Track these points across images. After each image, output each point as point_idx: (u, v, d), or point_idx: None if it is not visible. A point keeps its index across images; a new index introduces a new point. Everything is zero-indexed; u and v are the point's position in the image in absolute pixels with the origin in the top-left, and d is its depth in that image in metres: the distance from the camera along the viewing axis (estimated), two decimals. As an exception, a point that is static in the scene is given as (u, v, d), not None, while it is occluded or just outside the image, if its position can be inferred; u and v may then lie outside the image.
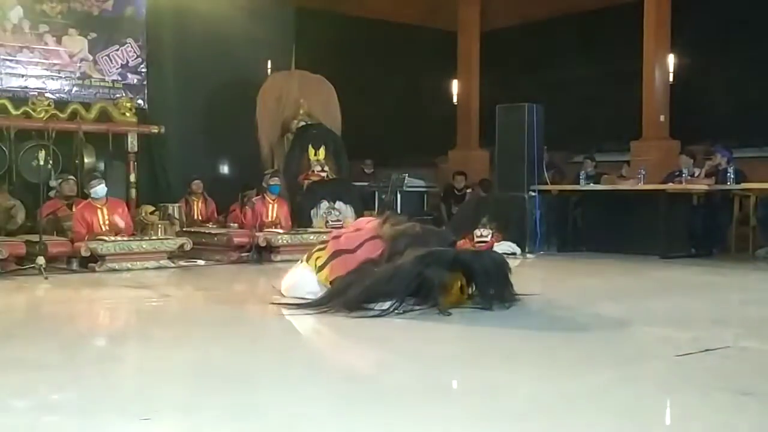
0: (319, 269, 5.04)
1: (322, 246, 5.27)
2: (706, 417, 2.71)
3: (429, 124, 13.09)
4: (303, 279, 5.10)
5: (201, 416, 2.68)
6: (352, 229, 5.37)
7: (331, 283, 4.90)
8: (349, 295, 4.57)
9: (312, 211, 8.86)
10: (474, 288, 4.81)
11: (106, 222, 7.26)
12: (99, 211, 7.28)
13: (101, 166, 8.90)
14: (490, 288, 4.72)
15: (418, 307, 4.52)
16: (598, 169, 9.91)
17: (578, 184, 9.57)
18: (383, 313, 4.43)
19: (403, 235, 4.91)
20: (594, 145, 11.21)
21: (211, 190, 9.47)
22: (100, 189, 7.27)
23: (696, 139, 10.12)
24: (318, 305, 4.69)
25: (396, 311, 4.44)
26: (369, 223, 5.45)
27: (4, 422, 2.60)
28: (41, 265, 6.48)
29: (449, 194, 11.38)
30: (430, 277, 4.49)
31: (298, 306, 4.79)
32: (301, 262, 5.30)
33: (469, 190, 11.07)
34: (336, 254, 4.98)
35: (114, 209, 7.39)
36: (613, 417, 2.68)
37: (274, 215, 8.49)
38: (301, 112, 9.72)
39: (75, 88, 9.23)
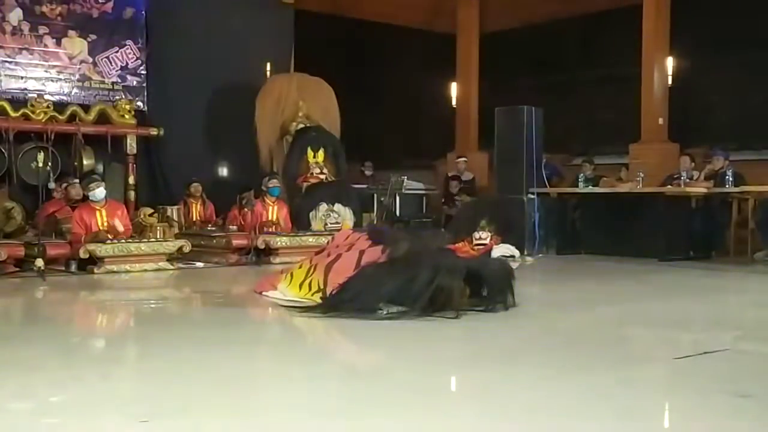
0: (310, 289, 5.05)
1: (303, 266, 5.29)
2: (705, 419, 2.71)
3: (428, 126, 13.10)
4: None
5: (200, 418, 2.68)
6: (334, 246, 5.37)
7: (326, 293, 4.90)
8: (363, 301, 4.53)
9: (311, 214, 8.85)
10: (473, 292, 4.79)
11: (105, 224, 7.25)
12: (98, 213, 7.28)
13: (100, 168, 8.88)
14: (496, 293, 4.71)
15: (434, 315, 4.49)
16: (597, 172, 9.92)
17: (577, 186, 9.57)
18: (393, 316, 4.41)
19: (400, 237, 4.92)
20: (593, 148, 11.22)
21: (211, 192, 9.47)
22: (99, 192, 7.27)
23: (695, 142, 10.13)
24: (326, 308, 4.67)
25: (406, 316, 4.43)
26: (349, 237, 5.46)
27: (4, 424, 2.60)
28: (40, 268, 6.48)
29: (448, 197, 11.38)
30: (446, 286, 4.47)
31: (305, 309, 4.79)
32: (284, 282, 5.30)
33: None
34: (329, 268, 5.00)
35: (113, 211, 7.38)
36: (612, 419, 2.68)
37: (274, 217, 8.49)
38: (300, 114, 9.71)
39: (74, 90, 9.23)
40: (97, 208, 7.30)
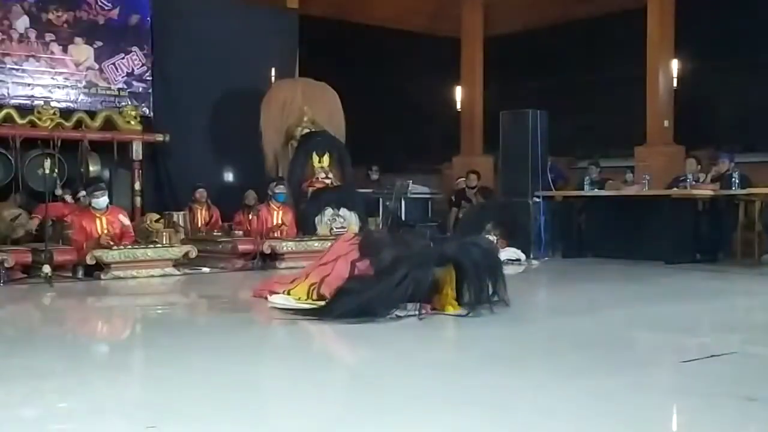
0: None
1: (309, 279, 5.33)
2: (712, 423, 2.70)
3: (433, 130, 13.11)
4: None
5: (206, 424, 2.68)
6: (334, 257, 5.40)
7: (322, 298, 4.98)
8: (347, 306, 4.59)
9: (316, 218, 8.86)
10: (464, 289, 4.79)
11: (105, 230, 7.30)
12: (98, 220, 7.33)
13: (106, 174, 8.92)
14: (481, 282, 4.70)
15: (411, 311, 4.55)
16: (603, 175, 9.91)
17: (582, 189, 9.56)
18: (378, 318, 4.45)
19: (386, 246, 4.91)
20: (598, 151, 11.21)
21: (216, 197, 9.49)
22: (102, 200, 7.36)
23: (700, 145, 10.11)
24: (317, 314, 4.72)
25: (393, 317, 4.46)
26: (346, 242, 5.49)
27: (12, 430, 2.61)
28: (47, 274, 6.50)
29: (460, 196, 11.32)
30: (419, 278, 4.51)
31: (296, 312, 4.84)
32: (285, 293, 5.35)
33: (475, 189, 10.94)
34: (322, 282, 5.07)
35: (114, 217, 7.43)
36: (618, 423, 2.67)
37: (279, 222, 8.51)
38: (305, 119, 9.73)
39: (81, 97, 9.26)
40: (98, 215, 7.35)
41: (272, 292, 5.46)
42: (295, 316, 4.80)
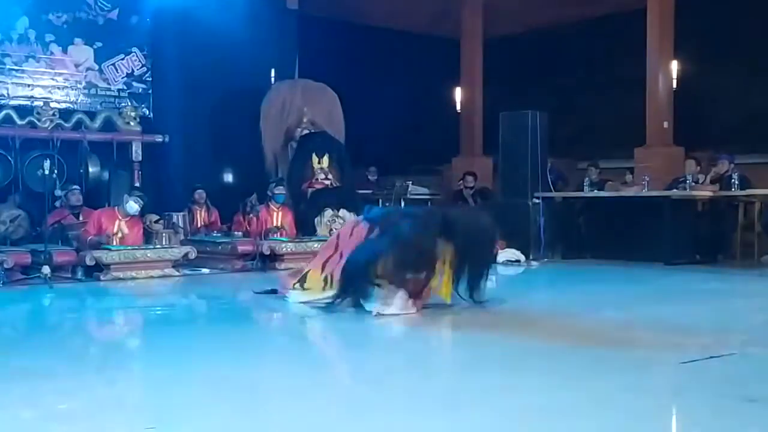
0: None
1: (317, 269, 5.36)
2: (712, 424, 2.70)
3: (433, 131, 13.11)
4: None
5: (206, 424, 2.68)
6: (343, 241, 5.43)
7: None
8: (345, 276, 4.72)
9: (316, 219, 8.86)
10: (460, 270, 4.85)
11: (119, 234, 7.30)
12: (117, 222, 7.34)
13: (105, 175, 8.91)
14: (468, 250, 4.79)
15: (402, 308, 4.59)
16: (602, 176, 9.91)
17: (582, 191, 9.57)
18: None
19: (393, 213, 5.03)
20: (598, 152, 11.21)
21: (216, 198, 9.48)
22: (134, 208, 7.35)
23: (700, 146, 10.12)
24: (336, 297, 4.85)
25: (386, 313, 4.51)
26: (354, 229, 5.54)
27: (12, 431, 2.60)
28: (46, 275, 6.50)
29: (457, 198, 11.32)
30: (427, 247, 4.62)
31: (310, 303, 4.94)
32: (297, 287, 5.37)
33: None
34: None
35: (132, 226, 7.43)
36: (618, 424, 2.67)
37: (279, 223, 8.52)
38: (305, 120, 9.73)
39: (81, 98, 9.25)
40: (120, 217, 7.36)
41: (288, 288, 5.47)
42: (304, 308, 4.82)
